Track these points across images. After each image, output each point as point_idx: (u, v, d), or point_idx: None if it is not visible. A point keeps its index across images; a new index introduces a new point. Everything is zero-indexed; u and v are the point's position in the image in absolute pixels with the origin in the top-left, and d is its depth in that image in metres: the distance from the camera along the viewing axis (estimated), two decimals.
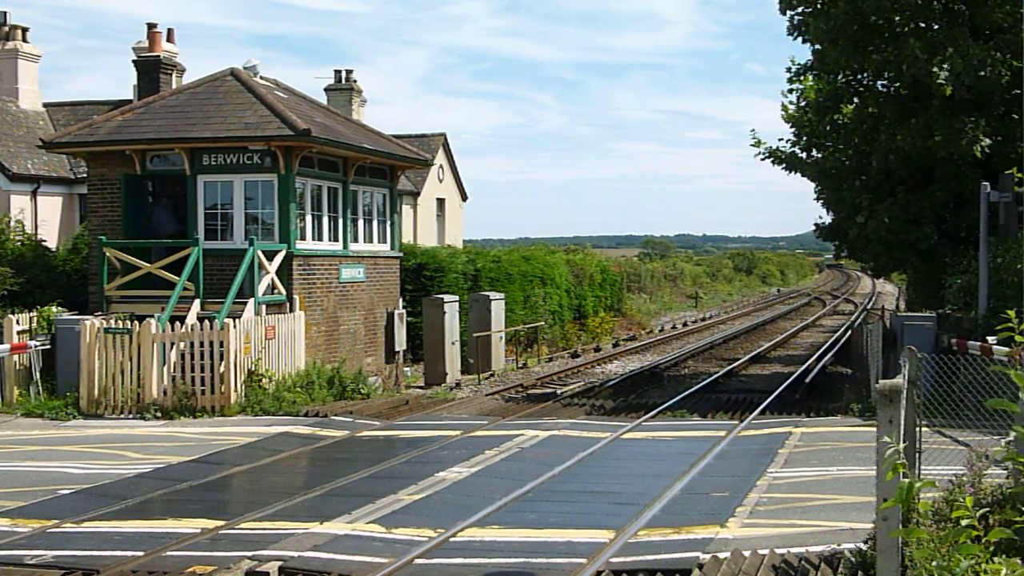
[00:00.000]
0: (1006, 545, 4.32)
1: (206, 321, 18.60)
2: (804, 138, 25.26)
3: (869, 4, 20.96)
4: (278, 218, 21.03)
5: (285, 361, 20.02)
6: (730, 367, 28.93)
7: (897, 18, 21.64)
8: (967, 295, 19.58)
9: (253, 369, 18.87)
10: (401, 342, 25.19)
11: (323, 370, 20.62)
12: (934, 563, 4.17)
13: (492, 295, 28.45)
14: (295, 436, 16.07)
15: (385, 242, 25.14)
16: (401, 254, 26.45)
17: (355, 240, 23.67)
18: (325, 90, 38.25)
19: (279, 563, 9.01)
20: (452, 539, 9.89)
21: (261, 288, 20.18)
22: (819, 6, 22.62)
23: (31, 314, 19.74)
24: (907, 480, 4.32)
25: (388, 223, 25.24)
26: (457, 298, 27.05)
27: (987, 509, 7.50)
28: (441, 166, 43.20)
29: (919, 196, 22.10)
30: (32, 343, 19.02)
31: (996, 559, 4.16)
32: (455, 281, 29.51)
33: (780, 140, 25.83)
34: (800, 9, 23.16)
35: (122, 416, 17.95)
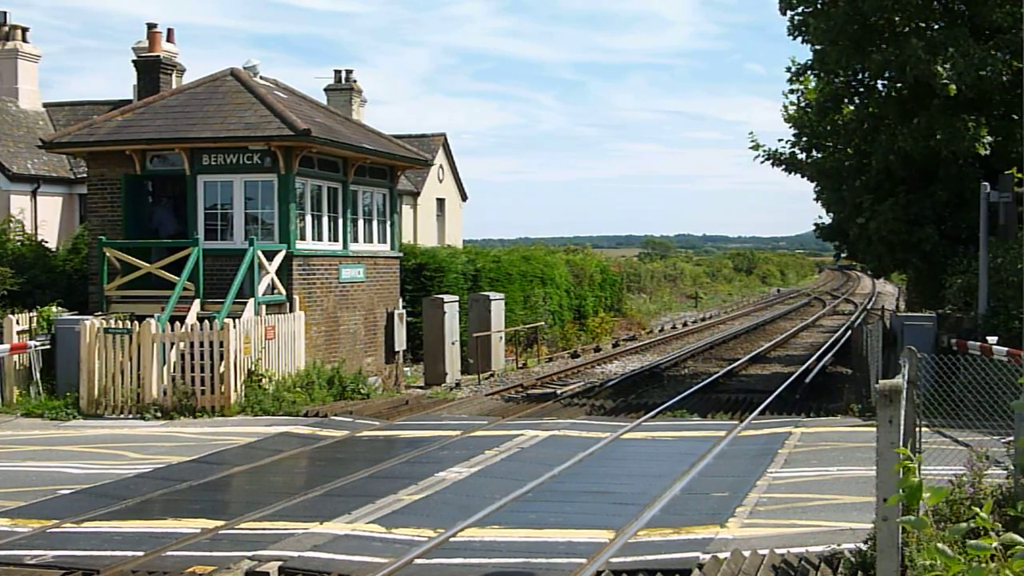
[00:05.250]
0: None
1: (206, 321, 18.59)
2: (805, 138, 25.26)
3: (869, 4, 20.96)
4: (278, 218, 21.03)
5: (285, 361, 20.02)
6: (730, 367, 28.92)
7: (897, 18, 21.65)
8: (967, 295, 19.58)
9: (253, 369, 18.86)
10: (401, 342, 25.19)
11: (323, 370, 20.62)
12: (939, 544, 4.15)
13: (492, 295, 28.44)
14: (295, 436, 16.06)
15: (385, 242, 25.14)
16: (401, 254, 26.45)
17: (355, 240, 23.66)
18: (325, 90, 38.25)
19: (279, 563, 9.01)
20: (452, 539, 9.89)
21: (261, 288, 20.18)
22: (819, 6, 22.63)
23: (31, 314, 19.73)
24: (917, 480, 4.31)
25: (388, 223, 25.24)
26: (457, 298, 27.04)
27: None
28: (441, 166, 43.20)
29: (920, 196, 22.10)
30: (32, 343, 19.02)
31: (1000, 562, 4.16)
32: (455, 281, 29.50)
33: (780, 141, 25.85)
34: (800, 9, 23.15)
35: (122, 416, 17.94)
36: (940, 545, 4.12)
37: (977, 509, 4.24)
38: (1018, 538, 4.01)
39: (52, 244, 26.65)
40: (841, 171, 24.23)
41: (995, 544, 4.05)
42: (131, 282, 20.62)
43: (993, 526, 4.20)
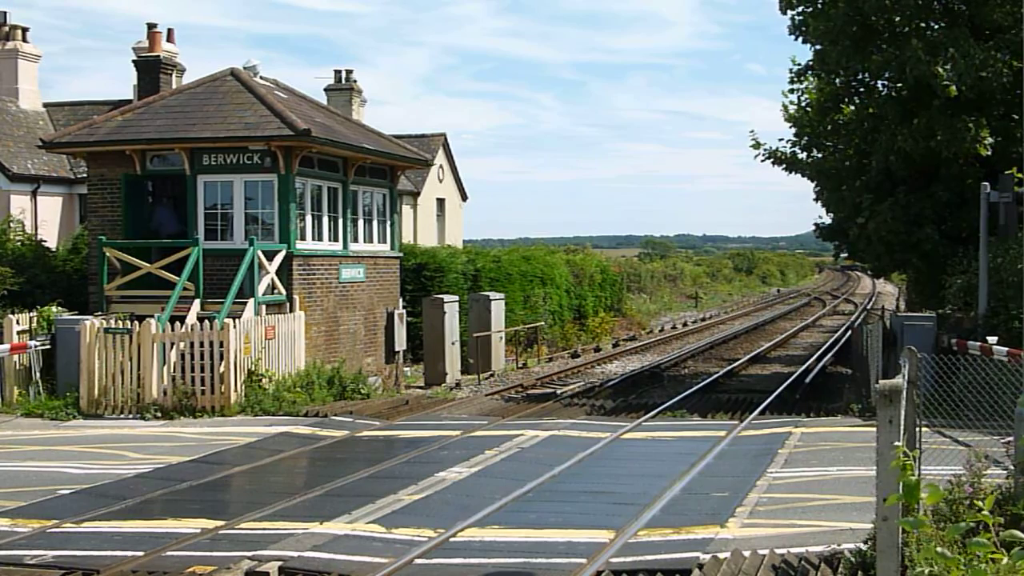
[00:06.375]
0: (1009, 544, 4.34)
1: (206, 321, 18.59)
2: (805, 138, 25.25)
3: (869, 4, 20.96)
4: (278, 218, 21.03)
5: (285, 361, 20.02)
6: (730, 367, 28.92)
7: (897, 18, 21.64)
8: (967, 295, 19.59)
9: (253, 369, 18.86)
10: (401, 342, 25.19)
11: (323, 370, 20.62)
12: (938, 548, 4.17)
13: (492, 295, 28.45)
14: (295, 436, 16.06)
15: (385, 242, 25.14)
16: (401, 254, 26.45)
17: (355, 240, 23.66)
18: (325, 90, 38.25)
19: (279, 563, 9.01)
20: (452, 539, 9.89)
21: (261, 288, 20.18)
22: (819, 6, 22.62)
23: (31, 314, 19.73)
24: (915, 478, 4.32)
25: (388, 223, 25.24)
26: (457, 298, 27.05)
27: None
28: (441, 166, 43.20)
29: (920, 196, 22.10)
30: (32, 343, 19.02)
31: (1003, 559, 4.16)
32: (455, 281, 29.51)
33: (780, 140, 25.84)
34: (800, 9, 23.15)
35: (122, 416, 17.95)
36: (939, 548, 4.13)
37: (980, 504, 4.24)
38: (1019, 534, 4.02)
39: (52, 244, 26.64)
40: (841, 171, 24.22)
41: (996, 543, 4.05)
42: (131, 282, 20.62)
43: (996, 521, 4.20)
